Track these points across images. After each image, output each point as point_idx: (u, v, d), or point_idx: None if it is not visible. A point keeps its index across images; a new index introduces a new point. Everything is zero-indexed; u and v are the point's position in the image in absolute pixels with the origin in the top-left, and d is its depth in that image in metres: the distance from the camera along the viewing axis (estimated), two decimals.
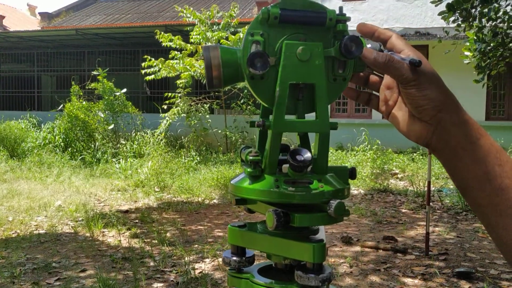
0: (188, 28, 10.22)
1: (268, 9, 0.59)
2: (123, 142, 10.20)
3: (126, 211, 5.63)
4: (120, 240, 4.39)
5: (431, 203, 4.66)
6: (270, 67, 0.59)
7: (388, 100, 0.67)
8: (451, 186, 7.09)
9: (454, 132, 0.59)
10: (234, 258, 0.68)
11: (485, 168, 0.58)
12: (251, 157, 0.61)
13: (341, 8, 0.63)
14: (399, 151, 10.39)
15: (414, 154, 10.23)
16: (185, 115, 10.46)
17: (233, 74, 0.61)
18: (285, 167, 0.60)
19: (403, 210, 5.76)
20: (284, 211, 0.59)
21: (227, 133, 10.84)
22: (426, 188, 4.21)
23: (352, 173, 0.67)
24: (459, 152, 0.59)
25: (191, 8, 10.35)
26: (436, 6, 5.10)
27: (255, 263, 0.70)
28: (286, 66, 0.59)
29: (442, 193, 6.70)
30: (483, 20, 5.65)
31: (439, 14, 5.12)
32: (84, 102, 10.38)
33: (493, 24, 5.70)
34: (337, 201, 0.58)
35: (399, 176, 8.27)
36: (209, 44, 0.63)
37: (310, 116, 0.62)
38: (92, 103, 10.61)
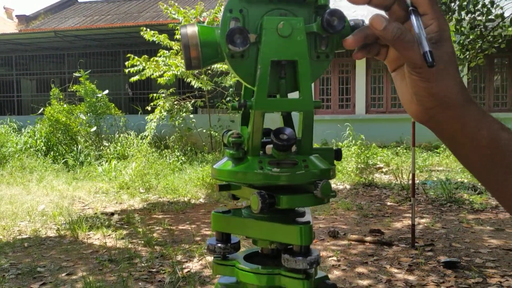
0: (171, 26, 10.10)
1: None
2: (106, 144, 10.09)
3: (111, 213, 5.57)
4: (106, 242, 4.34)
5: (415, 196, 4.70)
6: (250, 44, 0.56)
7: (396, 59, 0.60)
8: (435, 179, 7.17)
9: (451, 125, 0.56)
10: (219, 245, 0.66)
11: (489, 153, 0.55)
12: (233, 139, 0.60)
13: None
14: (383, 145, 10.47)
15: (398, 148, 10.33)
16: (167, 114, 10.35)
17: (213, 53, 0.59)
18: (269, 147, 0.58)
19: (389, 203, 5.80)
20: (269, 193, 0.57)
21: (212, 132, 10.79)
22: (410, 181, 4.25)
23: (337, 154, 0.66)
24: (457, 140, 0.57)
25: (176, 4, 10.25)
26: None
27: (240, 250, 0.68)
28: (267, 42, 0.56)
29: (426, 185, 6.77)
30: (462, 13, 5.72)
31: None
32: (65, 105, 10.24)
33: (471, 17, 5.78)
34: (323, 181, 0.57)
35: (384, 170, 8.33)
36: (185, 25, 0.59)
37: (294, 96, 0.61)
38: (74, 105, 10.47)
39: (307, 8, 0.60)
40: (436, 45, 0.53)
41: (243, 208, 0.66)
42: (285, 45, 0.57)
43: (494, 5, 5.73)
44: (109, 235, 4.60)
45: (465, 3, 5.52)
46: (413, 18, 0.53)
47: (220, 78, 10.23)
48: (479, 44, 5.94)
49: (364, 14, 12.73)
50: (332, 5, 0.60)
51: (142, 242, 4.31)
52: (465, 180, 6.96)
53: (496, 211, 5.27)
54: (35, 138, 10.42)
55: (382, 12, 0.57)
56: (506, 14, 5.88)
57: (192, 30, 0.58)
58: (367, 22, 0.57)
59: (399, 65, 0.60)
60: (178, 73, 9.69)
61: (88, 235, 4.66)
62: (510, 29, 6.17)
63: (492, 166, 0.56)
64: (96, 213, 5.52)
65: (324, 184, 0.57)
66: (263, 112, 0.58)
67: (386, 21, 0.52)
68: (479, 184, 6.60)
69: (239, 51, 0.56)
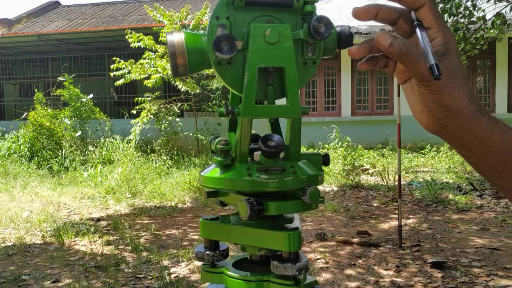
0: (156, 29, 10.04)
1: None
2: (92, 149, 9.99)
3: (98, 219, 5.51)
4: (92, 249, 4.29)
5: (402, 197, 4.74)
6: (237, 51, 0.56)
7: (404, 72, 0.61)
8: (421, 179, 7.24)
9: (462, 135, 0.56)
10: (208, 252, 0.65)
11: (502, 159, 0.55)
12: (220, 146, 0.59)
13: None
14: (369, 147, 10.55)
15: (384, 149, 10.41)
16: (153, 117, 10.28)
17: (199, 60, 0.58)
18: (257, 154, 0.58)
19: (375, 205, 5.84)
20: (257, 200, 0.57)
21: (199, 135, 10.75)
22: (396, 182, 4.28)
23: (325, 159, 0.66)
24: (469, 149, 0.57)
25: (161, 7, 10.20)
26: None
27: (229, 256, 0.68)
28: (254, 49, 0.56)
29: (412, 186, 6.83)
30: (445, 15, 5.80)
31: None
32: (49, 110, 10.12)
33: (454, 19, 5.86)
34: (311, 187, 0.57)
35: (370, 171, 8.39)
36: (171, 31, 0.58)
37: (281, 102, 0.61)
38: (58, 110, 10.35)
39: (294, 14, 0.60)
40: (443, 58, 0.54)
41: (232, 214, 0.66)
42: (272, 51, 0.57)
43: (476, 8, 5.82)
44: (95, 241, 4.55)
45: (448, 6, 5.60)
46: (418, 32, 0.54)
47: (206, 81, 10.21)
48: (462, 46, 6.02)
49: (349, 17, 12.81)
50: (318, 9, 0.60)
51: (129, 247, 4.27)
52: (450, 181, 7.04)
53: (481, 210, 5.34)
54: (19, 143, 10.27)
55: (388, 27, 0.58)
56: (487, 16, 5.97)
57: (178, 37, 0.58)
58: (352, 24, 0.57)
59: (408, 78, 0.60)
60: (165, 76, 9.63)
61: (74, 241, 4.60)
62: (491, 31, 6.27)
63: (504, 170, 0.56)
64: (82, 219, 5.46)
65: (312, 190, 0.57)
66: (251, 119, 0.58)
67: (392, 37, 0.52)
68: (464, 184, 6.70)
69: (226, 58, 0.56)
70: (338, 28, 0.61)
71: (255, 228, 0.61)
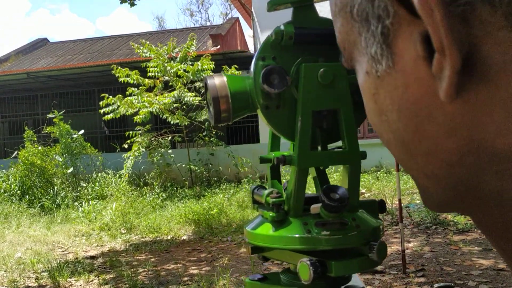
0: (144, 64, 10.09)
1: (282, 29, 0.52)
2: (84, 185, 9.85)
3: (93, 257, 5.37)
4: None
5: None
6: (286, 91, 0.52)
7: None
8: (417, 201, 7.20)
9: None
10: None
11: None
12: (273, 199, 0.53)
13: None
14: (363, 170, 10.53)
15: (378, 172, 10.40)
16: (145, 150, 10.20)
17: (243, 105, 0.54)
18: (315, 207, 0.52)
19: None
20: (320, 260, 0.51)
21: (192, 166, 10.68)
22: (394, 205, 4.24)
23: (381, 206, 0.60)
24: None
25: (148, 42, 10.26)
26: None
27: None
28: (307, 91, 0.51)
29: (410, 208, 6.79)
30: None
31: None
32: (40, 147, 10.01)
33: None
34: (379, 242, 0.52)
35: (366, 195, 8.34)
36: (211, 75, 0.52)
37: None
38: (49, 147, 10.24)
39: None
40: None
41: (281, 273, 0.59)
42: (326, 93, 0.52)
43: None
44: (92, 281, 4.41)
45: None
46: None
47: (194, 113, 10.22)
48: None
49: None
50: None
51: (127, 286, 4.15)
52: None
53: None
54: (9, 182, 10.10)
55: None
56: None
57: (220, 80, 0.53)
58: None
59: None
60: (153, 110, 9.61)
61: (70, 282, 4.46)
62: None
63: None
64: (77, 258, 5.31)
65: (380, 245, 0.51)
66: (307, 168, 0.53)
67: None
68: None
69: (274, 92, 0.51)
70: None
71: None
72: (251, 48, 16.42)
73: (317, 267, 0.50)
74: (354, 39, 0.31)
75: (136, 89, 9.66)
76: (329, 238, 0.51)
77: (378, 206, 0.59)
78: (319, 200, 0.52)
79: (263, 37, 14.03)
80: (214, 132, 10.92)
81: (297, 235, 0.52)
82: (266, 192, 0.55)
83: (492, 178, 0.26)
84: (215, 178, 10.97)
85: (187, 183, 10.56)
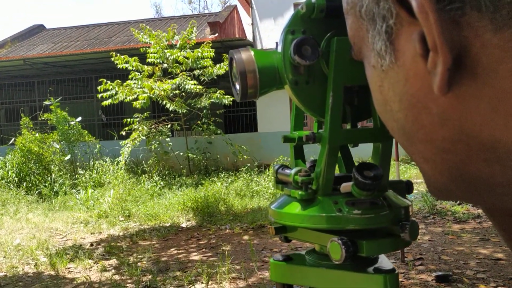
0: (143, 50, 10.00)
1: (313, 1, 0.50)
2: (82, 172, 9.84)
3: (92, 244, 5.38)
4: (88, 276, 4.16)
5: None
6: (316, 64, 0.50)
7: None
8: (416, 191, 7.23)
9: None
10: None
11: None
12: (302, 177, 0.52)
13: None
14: (361, 160, 10.54)
15: None
16: (144, 138, 10.17)
17: (270, 80, 0.52)
18: (346, 185, 0.51)
19: None
20: (351, 239, 0.50)
21: (190, 154, 10.67)
22: None
23: (408, 186, 0.59)
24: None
25: (148, 27, 10.16)
26: None
27: None
28: (339, 66, 0.50)
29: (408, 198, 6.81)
30: None
31: None
32: (37, 134, 9.96)
33: None
34: (411, 221, 0.50)
35: None
36: (237, 50, 0.51)
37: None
38: (46, 134, 10.20)
39: None
40: None
41: (307, 253, 0.58)
42: (359, 68, 0.50)
43: None
44: (91, 268, 4.42)
45: None
46: None
47: (194, 100, 10.17)
48: None
49: None
50: None
51: (127, 272, 4.16)
52: None
53: (479, 220, 5.33)
54: (6, 169, 10.07)
55: None
56: None
57: (247, 54, 0.52)
58: None
59: None
60: (153, 95, 9.56)
61: (69, 268, 4.47)
62: None
63: None
64: (75, 245, 5.32)
65: (412, 225, 0.50)
66: (337, 146, 0.52)
67: None
68: None
69: (306, 64, 0.50)
70: None
71: (340, 270, 0.53)
72: (249, 36, 16.31)
73: (349, 246, 0.49)
74: (363, 35, 0.34)
75: (138, 73, 9.60)
76: (360, 217, 0.50)
77: (405, 187, 0.59)
78: (348, 179, 0.51)
79: (262, 25, 13.91)
80: (212, 120, 10.88)
81: (327, 214, 0.51)
82: (294, 170, 0.54)
83: (482, 165, 0.30)
84: (213, 167, 10.97)
85: (184, 171, 10.56)
